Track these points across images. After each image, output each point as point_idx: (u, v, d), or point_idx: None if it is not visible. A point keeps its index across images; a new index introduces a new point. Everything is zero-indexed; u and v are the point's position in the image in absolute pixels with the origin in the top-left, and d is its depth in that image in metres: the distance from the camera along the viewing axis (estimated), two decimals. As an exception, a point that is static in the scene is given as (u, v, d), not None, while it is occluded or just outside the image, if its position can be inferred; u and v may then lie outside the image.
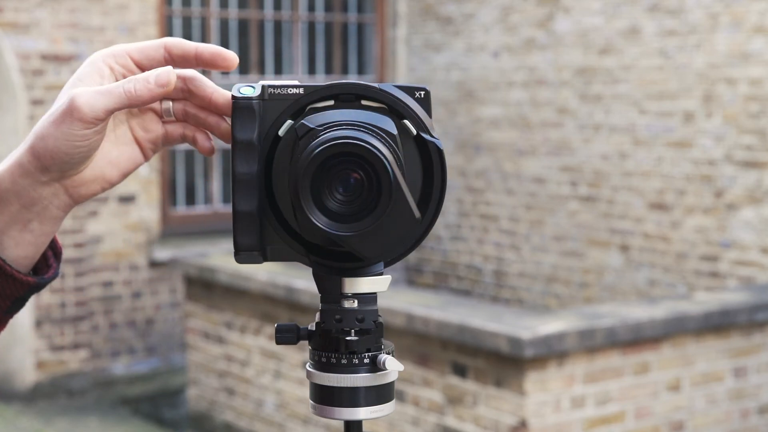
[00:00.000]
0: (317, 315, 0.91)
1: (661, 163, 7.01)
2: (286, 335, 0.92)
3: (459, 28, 8.34)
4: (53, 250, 0.98)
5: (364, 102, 0.89)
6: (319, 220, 0.85)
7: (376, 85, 0.90)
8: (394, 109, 0.89)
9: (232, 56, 0.93)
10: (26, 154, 0.91)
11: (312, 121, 0.87)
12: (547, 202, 7.78)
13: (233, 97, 0.89)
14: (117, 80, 0.93)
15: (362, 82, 0.90)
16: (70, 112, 0.88)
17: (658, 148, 7.02)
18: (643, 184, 7.11)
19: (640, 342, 4.69)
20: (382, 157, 0.84)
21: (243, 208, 0.89)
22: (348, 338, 0.89)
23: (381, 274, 0.91)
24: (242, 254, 0.90)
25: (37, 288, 0.95)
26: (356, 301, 0.90)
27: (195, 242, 7.64)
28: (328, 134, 0.85)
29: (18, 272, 0.94)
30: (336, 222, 0.85)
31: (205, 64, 0.93)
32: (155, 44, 0.93)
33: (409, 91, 0.91)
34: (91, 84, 0.91)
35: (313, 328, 0.91)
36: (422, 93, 0.91)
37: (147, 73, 0.90)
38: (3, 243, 0.93)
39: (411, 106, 0.90)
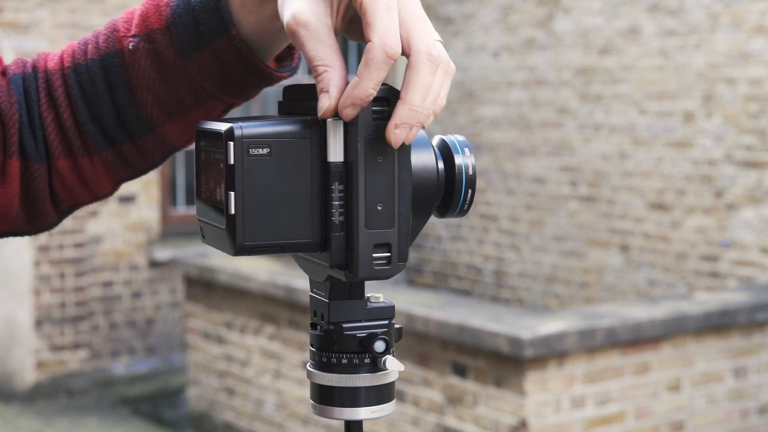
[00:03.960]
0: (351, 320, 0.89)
1: (661, 163, 7.01)
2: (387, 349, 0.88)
3: (459, 28, 8.34)
4: None
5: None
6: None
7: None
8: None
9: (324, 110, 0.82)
10: None
11: None
12: (547, 202, 7.77)
13: None
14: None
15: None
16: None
17: (658, 148, 7.02)
18: (643, 184, 7.11)
19: (640, 342, 4.69)
20: None
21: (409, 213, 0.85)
22: (398, 326, 0.90)
23: None
24: (402, 265, 0.84)
25: (288, 77, 0.98)
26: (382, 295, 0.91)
27: (195, 242, 7.63)
28: None
29: (276, 72, 0.96)
30: None
31: None
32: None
33: None
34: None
35: (386, 331, 0.89)
36: None
37: (358, 93, 0.80)
38: (258, 44, 0.95)
39: None
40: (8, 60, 1.05)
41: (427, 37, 0.82)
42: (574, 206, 7.58)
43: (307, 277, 0.92)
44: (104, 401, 7.22)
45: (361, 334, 0.88)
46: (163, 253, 7.53)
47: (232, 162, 0.81)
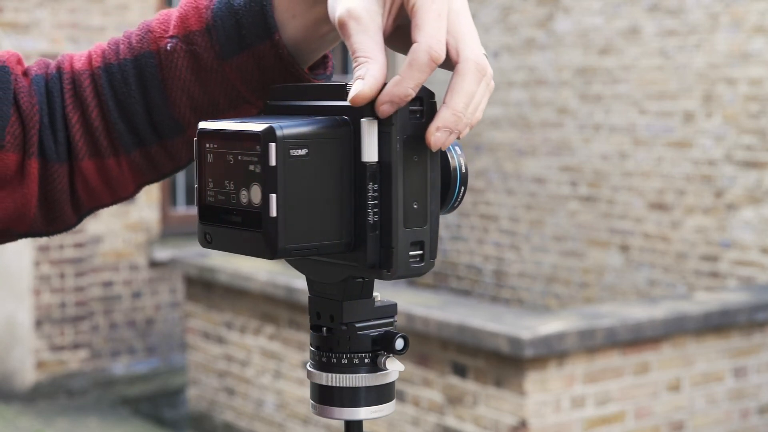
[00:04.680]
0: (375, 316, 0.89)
1: (661, 163, 7.01)
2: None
3: (459, 28, 8.34)
4: None
5: None
6: None
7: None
8: None
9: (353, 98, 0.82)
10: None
11: None
12: (547, 202, 7.77)
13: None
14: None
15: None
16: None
17: (658, 148, 7.02)
18: (643, 184, 7.11)
19: (640, 342, 4.69)
20: None
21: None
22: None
23: None
24: (432, 263, 0.85)
25: None
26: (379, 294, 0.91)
27: (195, 242, 7.63)
28: None
29: (312, 79, 0.96)
30: None
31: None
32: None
33: None
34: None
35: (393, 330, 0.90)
36: None
37: (403, 92, 0.80)
38: (298, 50, 0.95)
39: None
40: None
41: (476, 47, 0.82)
42: (574, 206, 7.58)
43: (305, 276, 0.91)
44: (104, 401, 7.22)
45: (373, 333, 0.88)
46: (163, 253, 7.53)
47: (273, 163, 0.79)
